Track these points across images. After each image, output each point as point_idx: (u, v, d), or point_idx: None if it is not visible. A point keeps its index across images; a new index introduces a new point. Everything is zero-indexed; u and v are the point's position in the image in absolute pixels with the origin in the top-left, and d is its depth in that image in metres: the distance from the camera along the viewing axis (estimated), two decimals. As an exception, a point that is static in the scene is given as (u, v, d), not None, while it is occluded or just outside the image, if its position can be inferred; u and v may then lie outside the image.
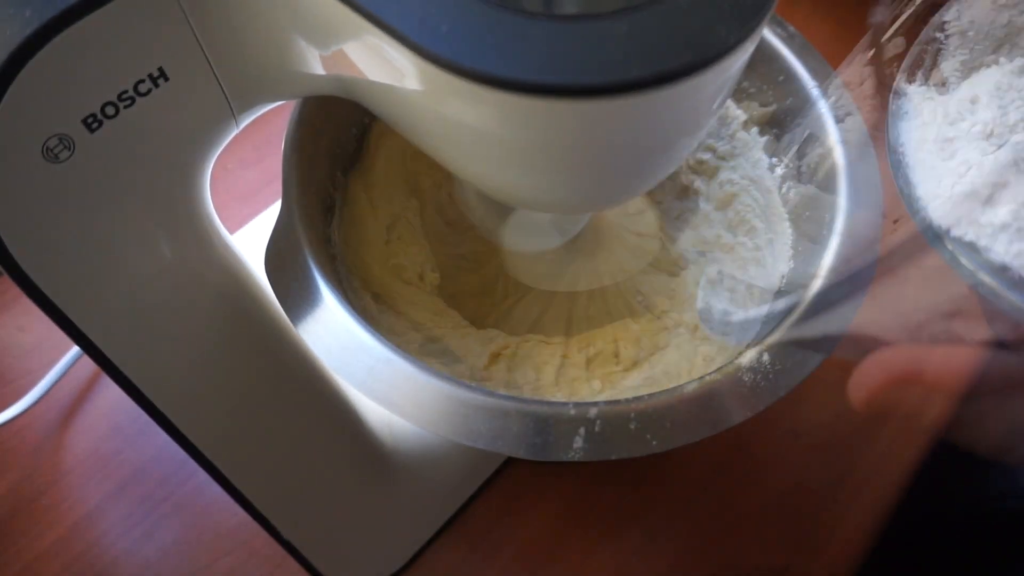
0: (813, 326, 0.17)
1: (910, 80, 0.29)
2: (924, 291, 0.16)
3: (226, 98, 0.25)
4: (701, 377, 0.29)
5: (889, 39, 0.29)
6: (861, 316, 0.16)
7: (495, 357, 0.35)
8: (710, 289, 0.28)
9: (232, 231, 0.33)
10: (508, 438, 0.27)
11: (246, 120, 0.26)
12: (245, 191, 0.57)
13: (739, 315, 0.21)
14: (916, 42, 0.29)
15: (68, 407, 0.49)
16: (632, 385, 0.33)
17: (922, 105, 0.29)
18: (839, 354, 0.18)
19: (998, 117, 0.26)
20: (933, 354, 0.15)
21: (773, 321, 0.18)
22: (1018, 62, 0.28)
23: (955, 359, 0.15)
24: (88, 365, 0.49)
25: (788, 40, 0.37)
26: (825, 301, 0.16)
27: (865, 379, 0.16)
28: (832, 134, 0.32)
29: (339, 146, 0.38)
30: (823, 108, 0.32)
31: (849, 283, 0.16)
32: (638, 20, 0.19)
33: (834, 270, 0.27)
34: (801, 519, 0.45)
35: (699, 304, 0.26)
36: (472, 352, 0.35)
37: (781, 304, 0.18)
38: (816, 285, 0.28)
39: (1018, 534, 0.47)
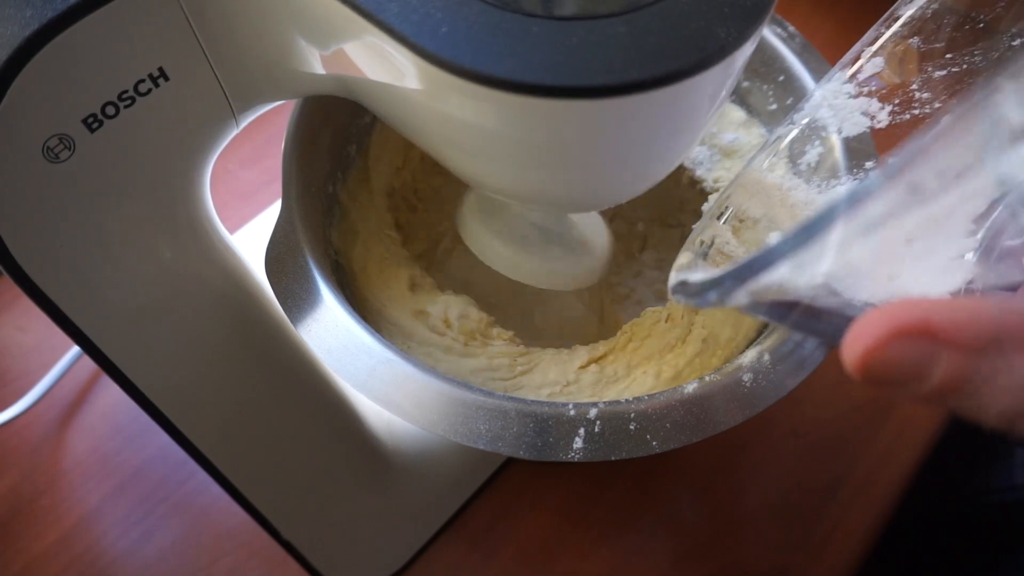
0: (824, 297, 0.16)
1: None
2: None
3: (226, 98, 0.25)
4: (701, 377, 0.29)
5: (869, 59, 0.29)
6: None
7: (597, 359, 0.34)
8: (685, 270, 0.28)
9: (232, 231, 0.33)
10: (508, 439, 0.27)
11: (246, 120, 0.26)
12: (245, 191, 0.57)
13: (715, 272, 0.20)
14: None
15: (68, 407, 0.49)
16: (690, 353, 0.33)
17: None
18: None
19: None
20: (943, 304, 0.14)
21: (753, 270, 0.17)
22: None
23: (968, 310, 0.13)
24: (88, 365, 0.49)
25: (788, 40, 0.37)
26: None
27: (864, 333, 0.14)
28: (832, 133, 0.32)
29: (339, 146, 0.38)
30: (822, 108, 0.32)
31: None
32: (638, 20, 0.19)
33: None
34: (801, 519, 0.45)
35: (671, 283, 0.26)
36: (576, 355, 0.34)
37: (762, 252, 0.17)
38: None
39: (1017, 531, 0.47)
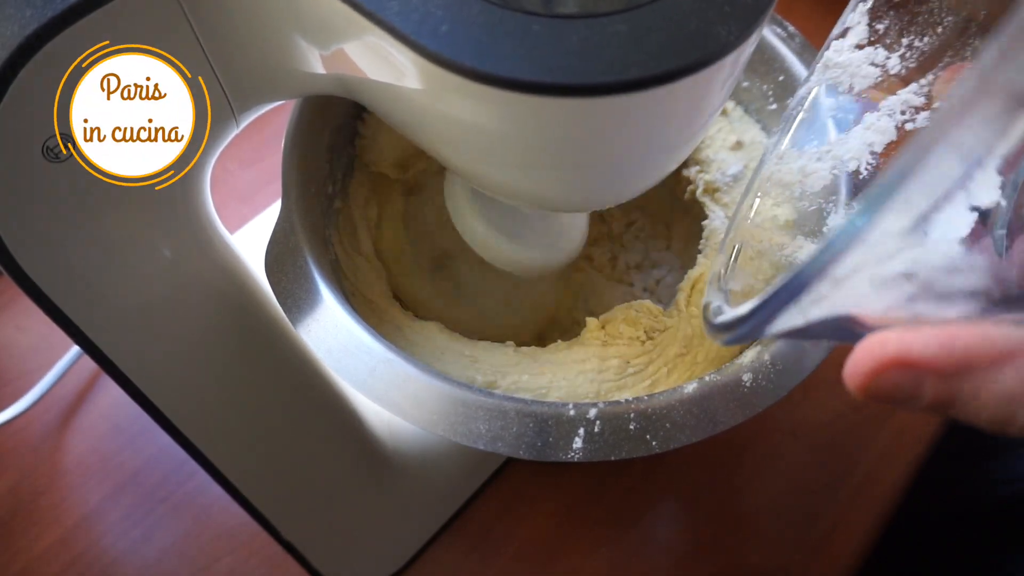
0: (801, 313, 0.17)
1: None
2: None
3: (226, 98, 0.25)
4: (701, 377, 0.29)
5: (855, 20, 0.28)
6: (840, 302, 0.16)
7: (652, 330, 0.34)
8: (714, 285, 0.28)
9: (232, 231, 0.33)
10: (508, 439, 0.27)
11: (246, 120, 0.26)
12: (245, 191, 0.57)
13: (727, 315, 0.21)
14: None
15: (68, 407, 0.49)
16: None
17: None
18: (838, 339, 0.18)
19: None
20: (919, 337, 0.16)
21: (762, 317, 0.17)
22: None
23: (940, 341, 0.15)
24: (88, 365, 0.49)
25: (788, 40, 0.37)
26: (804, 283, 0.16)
27: (859, 365, 0.17)
28: (831, 131, 0.32)
29: (339, 146, 0.38)
30: (828, 69, 0.31)
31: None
32: (638, 19, 0.19)
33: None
34: (801, 519, 0.45)
35: (704, 300, 0.26)
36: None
37: (768, 292, 0.17)
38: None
39: (1016, 524, 0.47)
